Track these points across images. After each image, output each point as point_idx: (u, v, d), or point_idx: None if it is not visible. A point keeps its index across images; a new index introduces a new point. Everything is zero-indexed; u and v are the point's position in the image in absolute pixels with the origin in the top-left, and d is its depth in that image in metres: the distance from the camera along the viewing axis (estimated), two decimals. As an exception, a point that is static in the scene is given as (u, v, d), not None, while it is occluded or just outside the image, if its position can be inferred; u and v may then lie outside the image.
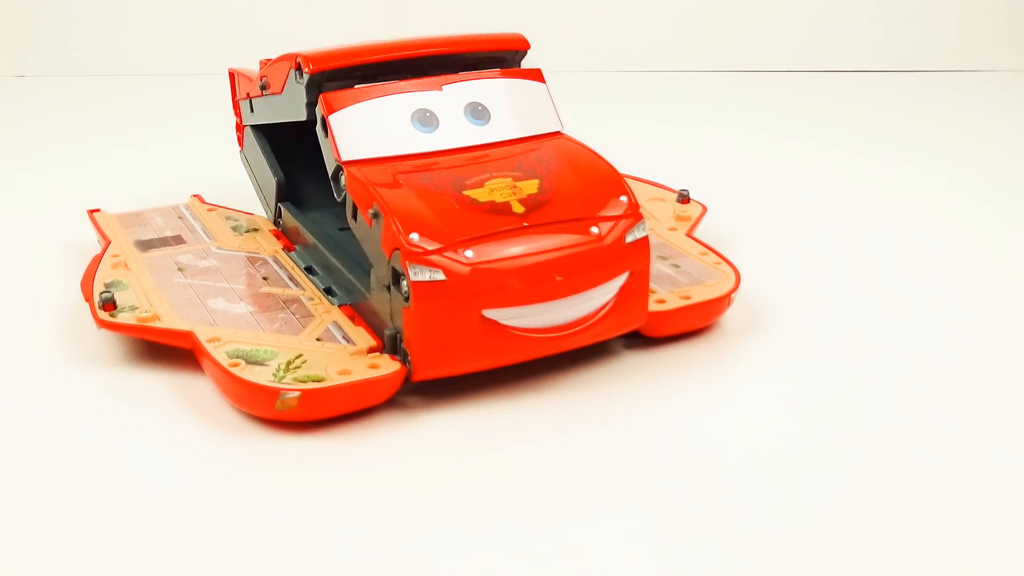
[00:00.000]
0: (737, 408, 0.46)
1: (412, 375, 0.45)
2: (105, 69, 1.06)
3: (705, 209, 0.62)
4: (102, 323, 0.49)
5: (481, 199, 0.46)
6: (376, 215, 0.45)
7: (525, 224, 0.45)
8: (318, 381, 0.44)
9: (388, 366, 0.45)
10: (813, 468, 0.42)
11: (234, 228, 0.59)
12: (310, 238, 0.55)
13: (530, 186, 0.47)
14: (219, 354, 0.46)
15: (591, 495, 0.40)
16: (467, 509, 0.40)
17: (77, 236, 0.63)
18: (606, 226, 0.46)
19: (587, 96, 0.98)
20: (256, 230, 0.59)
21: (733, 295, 0.52)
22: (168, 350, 0.49)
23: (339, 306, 0.50)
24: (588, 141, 0.50)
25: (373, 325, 0.48)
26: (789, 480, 0.41)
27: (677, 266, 0.54)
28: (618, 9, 1.08)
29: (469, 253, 0.44)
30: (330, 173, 0.49)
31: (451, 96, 0.50)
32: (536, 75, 0.52)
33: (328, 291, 0.52)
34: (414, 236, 0.44)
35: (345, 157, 0.48)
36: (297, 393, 0.43)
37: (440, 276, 0.43)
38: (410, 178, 0.47)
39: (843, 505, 0.39)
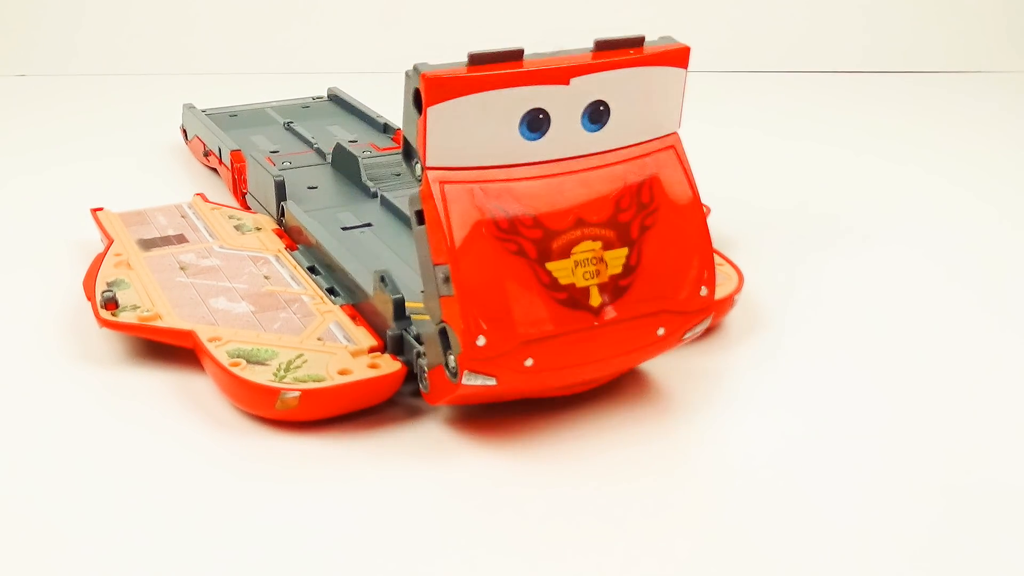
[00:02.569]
0: (739, 409, 0.46)
1: (427, 398, 0.45)
2: (105, 68, 1.06)
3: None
4: (104, 322, 0.49)
5: (562, 280, 0.40)
6: (447, 280, 0.40)
7: (595, 323, 0.41)
8: (318, 381, 0.44)
9: (389, 366, 0.45)
10: (816, 470, 0.42)
11: (237, 227, 0.59)
12: (313, 237, 0.55)
13: (616, 260, 0.41)
14: (220, 353, 0.46)
15: (593, 495, 0.40)
16: (467, 508, 0.40)
17: (80, 235, 0.63)
18: (674, 325, 0.42)
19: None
20: (259, 229, 0.59)
21: (736, 296, 0.52)
22: (170, 349, 0.49)
23: (341, 306, 0.50)
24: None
25: (374, 324, 0.48)
26: (791, 481, 0.41)
27: None
28: (619, 9, 1.08)
29: (529, 362, 0.40)
30: (407, 155, 0.41)
31: (576, 93, 0.41)
32: (680, 58, 0.44)
33: (331, 291, 0.52)
34: (480, 341, 0.39)
35: (432, 162, 0.40)
36: (297, 393, 0.43)
37: (492, 382, 0.40)
38: (494, 228, 0.40)
39: (846, 507, 0.39)
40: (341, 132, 0.75)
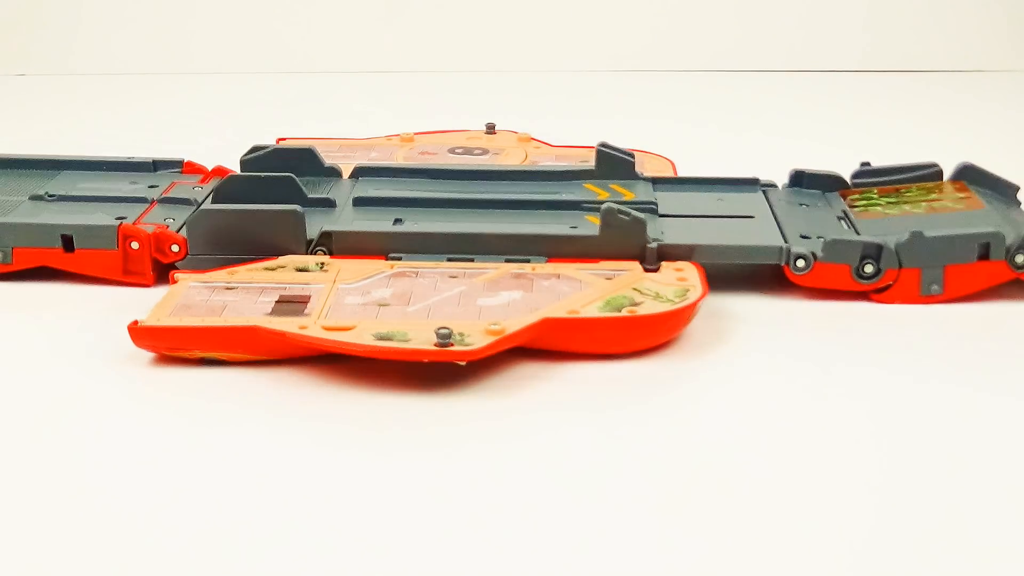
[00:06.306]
0: (738, 406, 0.46)
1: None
2: (105, 69, 1.06)
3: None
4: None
5: None
6: None
7: None
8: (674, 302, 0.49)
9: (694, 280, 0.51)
10: (814, 466, 0.42)
11: (301, 268, 0.53)
12: (417, 229, 0.56)
13: None
14: (590, 310, 0.48)
15: (591, 488, 0.40)
16: (465, 502, 0.40)
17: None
18: None
19: (588, 96, 0.98)
20: (323, 266, 0.54)
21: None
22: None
23: (547, 260, 0.53)
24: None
25: (609, 255, 0.53)
26: (788, 478, 0.41)
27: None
28: (619, 10, 1.08)
29: None
30: None
31: None
32: None
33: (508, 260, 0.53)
34: None
35: None
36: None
37: None
38: None
39: (846, 504, 0.39)
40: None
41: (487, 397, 0.47)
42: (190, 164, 0.65)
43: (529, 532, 0.38)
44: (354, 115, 0.90)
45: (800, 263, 0.54)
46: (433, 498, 0.40)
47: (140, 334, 0.48)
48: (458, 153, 0.71)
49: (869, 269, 0.54)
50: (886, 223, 0.57)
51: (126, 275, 0.56)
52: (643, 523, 0.38)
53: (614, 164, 0.62)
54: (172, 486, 0.41)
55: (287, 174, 0.58)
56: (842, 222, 0.59)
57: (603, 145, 0.62)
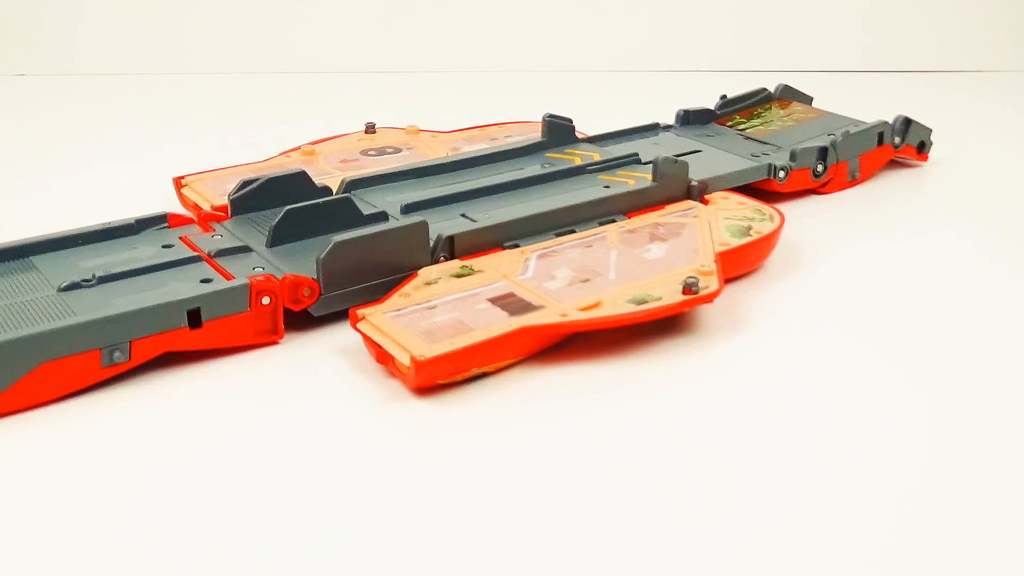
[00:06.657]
0: (734, 402, 0.46)
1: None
2: (105, 69, 1.06)
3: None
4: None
5: None
6: None
7: None
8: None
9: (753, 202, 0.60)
10: (810, 462, 0.42)
11: (459, 275, 0.54)
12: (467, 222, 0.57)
13: None
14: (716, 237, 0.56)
15: (588, 473, 0.40)
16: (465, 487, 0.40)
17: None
18: None
19: (588, 96, 0.98)
20: (476, 268, 0.54)
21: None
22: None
23: (628, 215, 0.59)
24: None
25: (668, 198, 0.60)
26: (782, 474, 0.41)
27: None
28: (619, 10, 1.08)
29: None
30: None
31: None
32: None
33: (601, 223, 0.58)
34: None
35: None
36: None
37: None
38: None
39: (845, 502, 0.40)
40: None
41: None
42: (174, 216, 0.59)
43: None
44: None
45: (781, 174, 0.67)
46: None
47: (424, 367, 0.45)
48: (371, 155, 0.72)
49: (821, 168, 0.68)
50: (780, 135, 0.73)
51: (257, 336, 0.50)
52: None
53: (561, 131, 0.70)
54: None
55: (345, 195, 0.57)
56: (750, 140, 0.72)
57: (550, 116, 0.69)
